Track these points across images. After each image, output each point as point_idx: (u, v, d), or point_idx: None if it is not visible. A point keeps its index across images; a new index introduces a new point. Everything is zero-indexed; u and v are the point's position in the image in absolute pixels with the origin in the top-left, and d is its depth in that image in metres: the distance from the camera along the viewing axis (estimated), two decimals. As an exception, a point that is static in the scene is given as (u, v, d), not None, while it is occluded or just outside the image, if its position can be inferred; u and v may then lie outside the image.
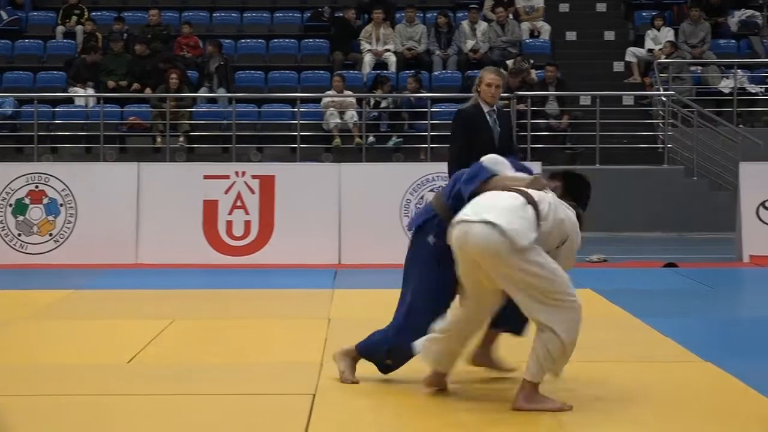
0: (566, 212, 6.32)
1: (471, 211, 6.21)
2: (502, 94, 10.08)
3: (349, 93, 19.18)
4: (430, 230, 6.69)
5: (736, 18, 21.79)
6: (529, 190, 6.25)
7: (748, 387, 6.85)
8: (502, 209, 6.12)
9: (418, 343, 6.55)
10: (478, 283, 6.30)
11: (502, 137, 9.61)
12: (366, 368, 7.47)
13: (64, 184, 14.01)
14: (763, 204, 14.21)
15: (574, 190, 6.59)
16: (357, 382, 6.84)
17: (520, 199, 6.16)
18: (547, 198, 6.26)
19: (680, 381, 6.67)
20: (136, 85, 19.46)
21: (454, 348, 6.55)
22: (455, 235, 6.22)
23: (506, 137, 9.68)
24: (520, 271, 6.04)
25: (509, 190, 6.27)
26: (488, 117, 9.60)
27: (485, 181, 6.43)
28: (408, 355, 6.77)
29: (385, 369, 6.96)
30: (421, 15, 21.50)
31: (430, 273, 6.67)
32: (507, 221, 6.04)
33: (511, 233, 6.00)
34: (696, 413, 6.21)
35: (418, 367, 7.55)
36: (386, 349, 6.88)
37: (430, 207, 6.83)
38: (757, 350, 8.37)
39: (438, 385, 6.66)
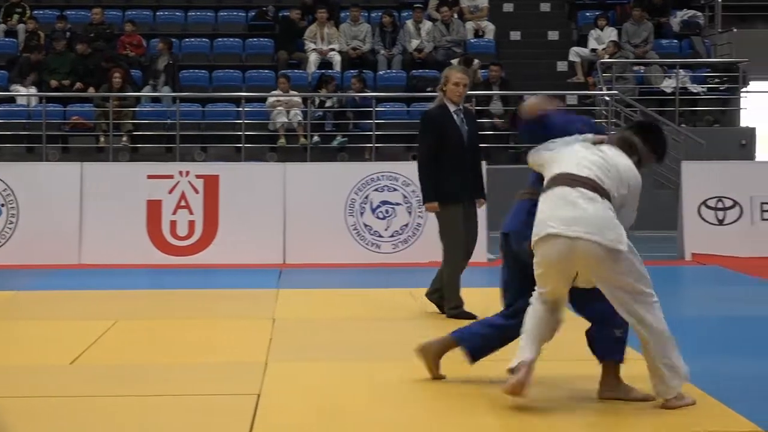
0: (625, 175, 6.34)
1: (561, 223, 6.21)
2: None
3: (294, 92, 19.16)
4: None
5: (678, 18, 21.98)
6: (597, 174, 6.27)
7: (690, 383, 6.94)
8: (590, 218, 6.17)
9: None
10: (559, 286, 6.37)
11: (471, 135, 9.62)
12: (308, 370, 7.50)
13: (6, 184, 13.90)
14: (704, 202, 14.36)
15: (645, 137, 6.64)
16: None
17: (603, 201, 6.22)
18: (613, 170, 6.31)
19: (627, 377, 6.72)
20: (79, 85, 19.34)
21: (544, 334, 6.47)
22: (556, 249, 6.22)
23: (472, 138, 9.65)
24: (620, 274, 6.18)
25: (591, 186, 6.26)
26: (455, 116, 9.57)
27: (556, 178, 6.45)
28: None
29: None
30: (366, 14, 21.52)
31: None
32: (599, 234, 6.13)
33: (611, 244, 6.13)
34: (649, 405, 6.33)
35: (360, 368, 7.59)
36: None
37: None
38: (698, 348, 8.46)
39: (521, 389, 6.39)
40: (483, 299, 9.68)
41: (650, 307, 6.23)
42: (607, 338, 6.53)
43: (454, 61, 19.37)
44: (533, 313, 6.40)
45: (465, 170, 9.53)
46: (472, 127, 9.73)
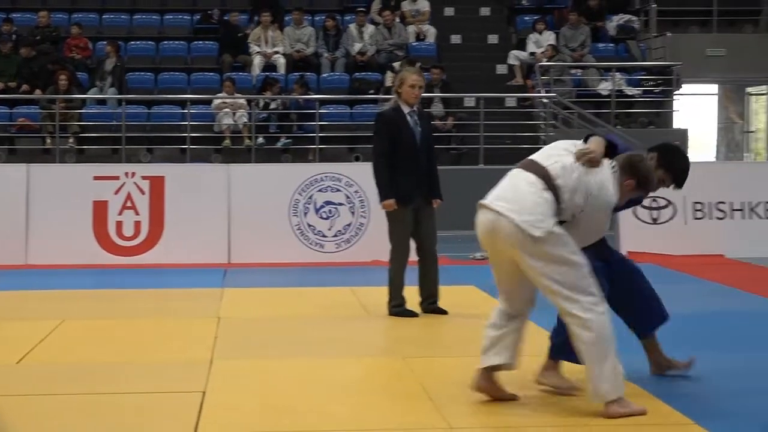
0: (592, 188, 6.18)
1: (494, 198, 6.26)
2: (385, 95, 10.09)
3: (239, 95, 19.12)
4: None
5: (614, 22, 22.12)
6: (557, 163, 6.22)
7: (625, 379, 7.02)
8: (518, 198, 6.15)
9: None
10: (507, 275, 6.32)
11: (424, 137, 9.58)
12: (253, 367, 7.51)
13: (-48, 185, 13.81)
14: (639, 202, 14.47)
15: (668, 164, 6.74)
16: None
17: (541, 190, 6.14)
18: (574, 173, 6.18)
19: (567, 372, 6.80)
20: (25, 87, 19.18)
21: (512, 340, 6.42)
22: (481, 224, 6.29)
23: (426, 139, 9.62)
24: (540, 260, 6.05)
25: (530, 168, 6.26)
26: (409, 118, 9.55)
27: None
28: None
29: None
30: (309, 18, 21.49)
31: None
32: (519, 212, 6.07)
33: (524, 225, 6.03)
34: (586, 400, 6.37)
35: (304, 365, 7.61)
36: None
37: None
38: (632, 344, 8.55)
39: (490, 390, 6.45)
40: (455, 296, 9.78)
41: (578, 307, 6.07)
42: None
43: (396, 64, 19.43)
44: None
45: (418, 171, 9.51)
46: (426, 128, 9.70)
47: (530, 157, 6.37)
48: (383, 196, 9.62)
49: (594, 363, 6.03)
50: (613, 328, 6.16)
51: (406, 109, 9.57)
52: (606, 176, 6.22)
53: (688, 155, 6.95)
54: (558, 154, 6.28)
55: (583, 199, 6.14)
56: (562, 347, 6.56)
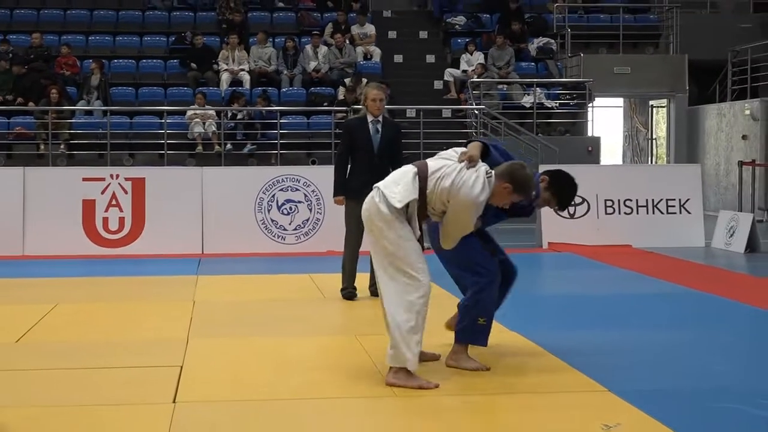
0: (460, 182, 5.98)
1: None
2: (338, 107, 10.04)
3: (209, 107, 19.01)
4: None
5: (535, 44, 22.21)
6: (436, 161, 6.15)
7: (544, 351, 7.05)
8: (392, 178, 6.15)
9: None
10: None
11: (382, 144, 9.49)
12: (225, 345, 7.48)
13: (-44, 186, 13.66)
14: (558, 200, 14.53)
15: (556, 189, 6.60)
16: (488, 368, 6.51)
17: (411, 170, 6.12)
18: (448, 168, 6.05)
19: (495, 349, 6.81)
20: (20, 100, 18.97)
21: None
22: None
23: (386, 144, 9.52)
24: (380, 233, 6.03)
25: (415, 163, 6.22)
26: (371, 126, 9.52)
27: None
28: (491, 302, 6.65)
29: (484, 336, 6.68)
30: (271, 39, 21.41)
31: (463, 247, 6.46)
32: (388, 187, 6.06)
33: (387, 195, 6.01)
34: (511, 370, 6.38)
35: (269, 343, 7.58)
36: (473, 315, 6.62)
37: None
38: (553, 322, 8.60)
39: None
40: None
41: (391, 285, 6.01)
42: (472, 324, 6.63)
43: (347, 80, 19.42)
44: None
45: (372, 172, 9.38)
46: (388, 135, 9.57)
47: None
48: (334, 192, 9.71)
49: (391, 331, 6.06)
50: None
51: (370, 118, 9.56)
52: (476, 177, 6.01)
53: (575, 183, 6.67)
54: (447, 156, 6.26)
55: (446, 196, 6.02)
56: (467, 331, 6.62)
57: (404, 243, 6.00)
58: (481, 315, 6.61)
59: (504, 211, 6.54)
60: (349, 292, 9.63)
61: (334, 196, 9.73)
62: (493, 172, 6.11)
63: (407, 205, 6.04)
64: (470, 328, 6.62)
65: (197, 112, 18.80)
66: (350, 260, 9.65)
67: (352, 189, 9.42)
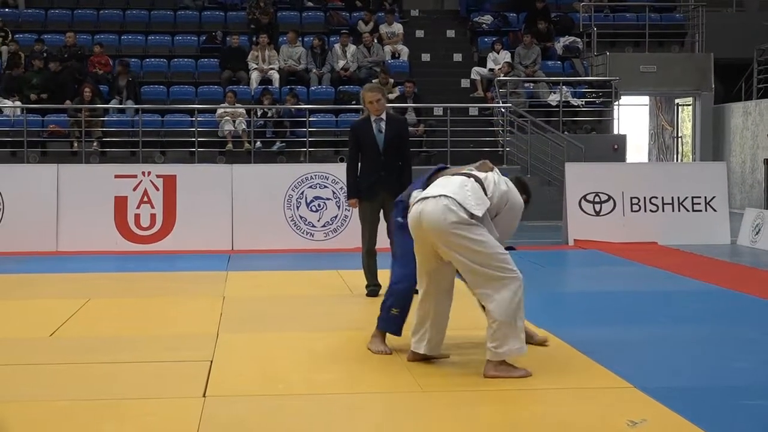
0: (509, 185, 6.38)
1: (427, 191, 6.30)
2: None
3: (240, 105, 19.05)
4: (398, 212, 6.93)
5: (561, 43, 22.13)
6: (475, 172, 6.34)
7: (570, 347, 7.03)
8: (454, 186, 6.17)
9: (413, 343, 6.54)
10: (428, 259, 6.31)
11: (386, 142, 9.43)
12: (254, 339, 7.49)
13: (-7, 183, 13.75)
14: (584, 197, 14.50)
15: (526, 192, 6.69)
16: (390, 352, 6.84)
17: (467, 179, 6.22)
18: (490, 176, 6.33)
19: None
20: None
21: (435, 336, 6.48)
22: (413, 212, 6.29)
23: (391, 142, 9.44)
24: (465, 239, 6.02)
25: (459, 174, 6.35)
26: (374, 125, 9.45)
27: (437, 172, 6.58)
28: (406, 295, 6.89)
29: (395, 324, 6.95)
30: (301, 39, 21.43)
31: (401, 239, 6.83)
32: (459, 196, 6.08)
33: (464, 203, 6.03)
34: (537, 366, 6.36)
35: (298, 338, 7.59)
36: (388, 305, 6.95)
37: (401, 198, 7.00)
38: (580, 318, 8.57)
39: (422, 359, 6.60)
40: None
41: (496, 284, 6.12)
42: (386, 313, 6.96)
43: (375, 81, 19.39)
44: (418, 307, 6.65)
45: (379, 171, 9.42)
46: (393, 132, 9.48)
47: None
48: (348, 195, 9.76)
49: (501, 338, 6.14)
50: None
51: (373, 118, 9.52)
52: (515, 188, 6.43)
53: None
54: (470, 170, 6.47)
55: (505, 197, 6.30)
56: (381, 320, 6.97)
57: (492, 242, 6.09)
58: (394, 306, 6.92)
59: None
60: (371, 290, 9.63)
61: (347, 199, 9.78)
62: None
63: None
64: (384, 317, 6.97)
65: (227, 110, 18.84)
66: (368, 259, 9.64)
67: (363, 189, 9.45)
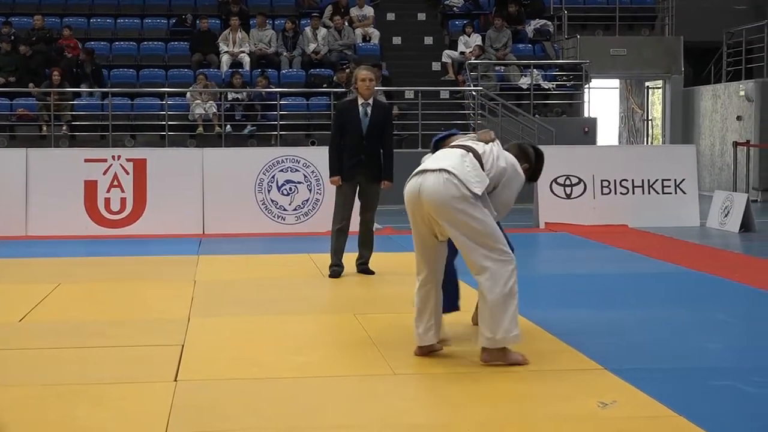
0: (508, 160, 6.13)
1: (426, 164, 6.11)
2: (336, 89, 10.01)
3: (211, 87, 18.95)
4: None
5: (532, 26, 22.15)
6: (474, 144, 6.13)
7: (541, 329, 7.06)
8: (454, 161, 5.97)
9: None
10: (425, 240, 6.14)
11: (370, 127, 9.49)
12: (225, 323, 7.47)
13: (-40, 167, 13.63)
14: (555, 180, 14.54)
15: (528, 160, 6.45)
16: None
17: (466, 153, 6.01)
18: (490, 148, 6.11)
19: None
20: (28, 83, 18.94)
21: (437, 322, 6.29)
22: (411, 186, 6.08)
23: (375, 127, 9.50)
24: (466, 215, 5.85)
25: (458, 147, 6.15)
26: (361, 108, 9.51)
27: (443, 140, 6.39)
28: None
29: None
30: (271, 21, 21.35)
31: None
32: (460, 171, 5.89)
33: (465, 180, 5.86)
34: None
35: (270, 321, 7.58)
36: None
37: None
38: (551, 300, 8.61)
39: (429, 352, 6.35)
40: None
41: (488, 264, 5.96)
42: None
43: (344, 63, 19.36)
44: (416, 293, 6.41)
45: (360, 154, 9.51)
46: (378, 118, 9.54)
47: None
48: (330, 173, 9.78)
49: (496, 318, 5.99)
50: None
51: (360, 101, 9.56)
52: (514, 159, 6.21)
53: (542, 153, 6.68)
54: (468, 141, 6.26)
55: (504, 172, 6.07)
56: None
57: (491, 221, 5.94)
58: None
59: None
60: (334, 270, 9.69)
61: (330, 177, 9.82)
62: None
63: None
64: None
65: (198, 89, 18.72)
66: (333, 236, 9.70)
67: (343, 170, 9.52)
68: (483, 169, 5.98)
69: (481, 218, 5.89)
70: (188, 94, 18.87)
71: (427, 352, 6.29)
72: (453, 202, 5.87)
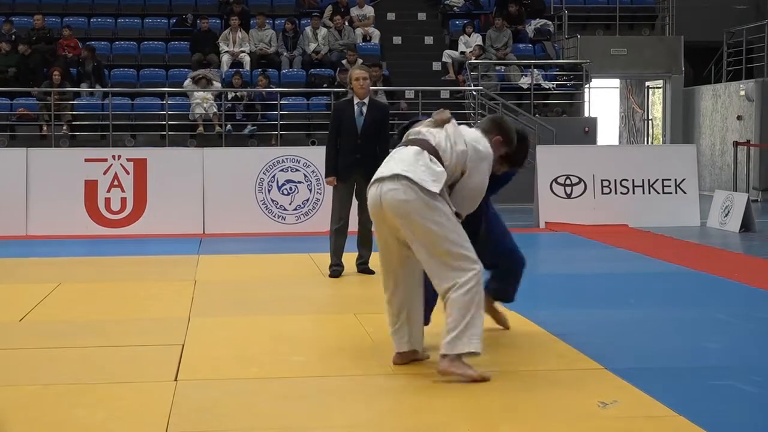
0: (468, 139, 5.75)
1: (381, 170, 5.83)
2: (337, 89, 10.02)
3: (212, 87, 18.94)
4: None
5: (532, 26, 22.15)
6: (430, 135, 5.80)
7: (541, 329, 7.05)
8: (408, 162, 5.68)
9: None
10: (392, 250, 5.86)
11: (365, 126, 9.51)
12: (226, 323, 7.47)
13: (-40, 166, 13.65)
14: (555, 180, 14.55)
15: (502, 133, 6.06)
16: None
17: (420, 151, 5.70)
18: (446, 134, 5.77)
19: (492, 328, 6.81)
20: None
21: (414, 330, 6.03)
22: (371, 195, 5.81)
23: (370, 127, 9.51)
24: (427, 221, 5.57)
25: (414, 142, 5.82)
26: (356, 108, 9.55)
27: (405, 129, 6.18)
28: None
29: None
30: (271, 21, 21.35)
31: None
32: (414, 173, 5.61)
33: (420, 181, 5.58)
34: (508, 348, 6.38)
35: (270, 321, 7.58)
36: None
37: None
38: (551, 300, 8.60)
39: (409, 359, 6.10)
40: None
41: (445, 270, 5.68)
42: None
43: (344, 62, 19.34)
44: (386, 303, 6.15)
45: (355, 154, 9.51)
46: (374, 118, 9.55)
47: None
48: (326, 173, 9.81)
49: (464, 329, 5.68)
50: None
51: (356, 101, 9.58)
52: (474, 132, 5.89)
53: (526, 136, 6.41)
54: (425, 131, 5.88)
55: (465, 156, 5.70)
56: None
57: (450, 223, 5.64)
58: None
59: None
60: (334, 270, 9.69)
61: (325, 177, 9.85)
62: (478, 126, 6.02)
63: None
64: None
65: (199, 91, 18.72)
66: (336, 237, 9.71)
67: (339, 170, 9.54)
68: (442, 163, 5.68)
69: (442, 221, 5.60)
70: (188, 89, 18.85)
71: (405, 360, 6.06)
72: (412, 207, 5.61)
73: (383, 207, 5.73)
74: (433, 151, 5.72)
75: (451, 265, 5.63)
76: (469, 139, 5.79)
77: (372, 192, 5.82)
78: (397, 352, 6.09)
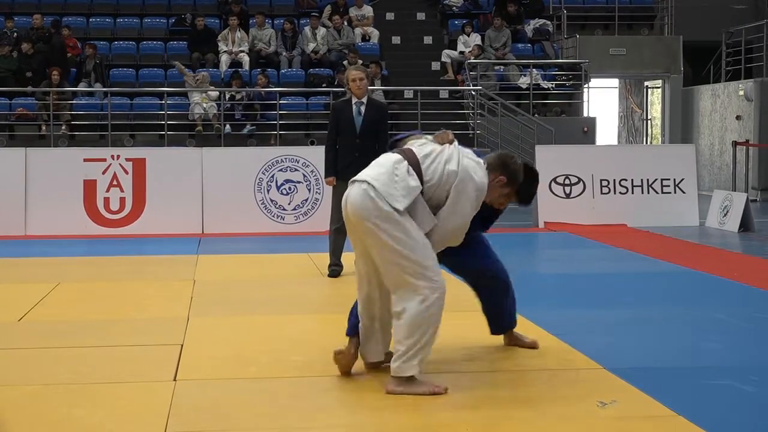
0: (463, 164, 5.45)
1: (360, 173, 5.59)
2: (336, 88, 10.02)
3: (211, 87, 18.94)
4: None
5: (531, 26, 22.15)
6: (419, 147, 5.56)
7: (540, 329, 7.05)
8: (382, 170, 5.44)
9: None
10: (366, 255, 5.63)
11: (364, 126, 9.51)
12: (224, 323, 7.47)
13: (-41, 166, 13.64)
14: (554, 179, 14.55)
15: (507, 173, 5.74)
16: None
17: (401, 161, 5.45)
18: (440, 150, 5.51)
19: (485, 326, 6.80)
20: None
21: (384, 337, 5.81)
22: (343, 196, 5.61)
23: (369, 126, 9.50)
24: (384, 233, 5.33)
25: (400, 150, 5.59)
26: (354, 108, 9.55)
27: (397, 141, 5.88)
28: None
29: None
30: (270, 21, 21.35)
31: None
32: (382, 183, 5.36)
33: (385, 193, 5.34)
34: (507, 350, 6.40)
35: (268, 321, 7.57)
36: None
37: None
38: (550, 299, 8.60)
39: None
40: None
41: (402, 289, 5.42)
42: None
43: (345, 62, 19.34)
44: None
45: (353, 153, 9.49)
46: (372, 117, 9.55)
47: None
48: (325, 173, 9.82)
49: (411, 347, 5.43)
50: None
51: (354, 100, 9.59)
52: (476, 162, 5.56)
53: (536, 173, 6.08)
54: (422, 143, 5.64)
55: (454, 177, 5.40)
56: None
57: (411, 240, 5.35)
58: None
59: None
60: (333, 270, 9.70)
61: (325, 177, 9.86)
62: (485, 162, 5.68)
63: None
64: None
65: (198, 90, 18.72)
66: (335, 237, 9.72)
67: (338, 170, 9.52)
68: (421, 178, 5.41)
69: (400, 236, 5.33)
70: (187, 89, 18.85)
71: (376, 367, 5.94)
72: (370, 217, 5.37)
73: (347, 210, 5.57)
74: (415, 163, 5.46)
75: (409, 282, 5.37)
76: (466, 164, 5.50)
77: (345, 194, 5.64)
78: (370, 362, 5.93)
